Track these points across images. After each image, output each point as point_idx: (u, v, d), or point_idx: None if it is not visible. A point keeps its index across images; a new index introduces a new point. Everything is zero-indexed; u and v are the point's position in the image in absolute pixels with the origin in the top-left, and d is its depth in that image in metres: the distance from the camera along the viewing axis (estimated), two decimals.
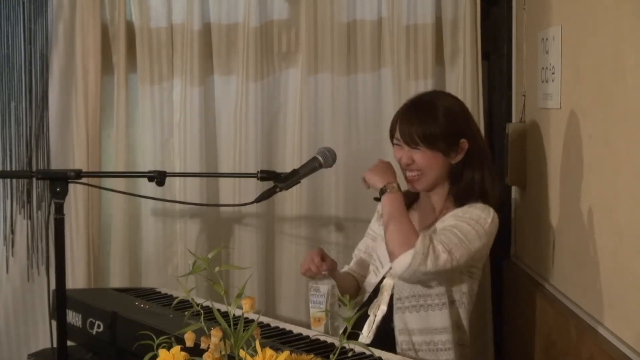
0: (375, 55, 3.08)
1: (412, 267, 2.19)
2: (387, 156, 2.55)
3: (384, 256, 2.39)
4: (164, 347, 1.54)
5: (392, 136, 2.42)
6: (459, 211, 2.32)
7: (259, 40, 3.05)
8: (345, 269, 2.61)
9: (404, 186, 2.42)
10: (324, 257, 2.39)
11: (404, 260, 2.19)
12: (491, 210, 2.32)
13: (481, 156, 2.38)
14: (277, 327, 2.25)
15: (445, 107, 2.37)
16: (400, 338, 2.32)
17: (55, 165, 3.01)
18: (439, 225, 2.33)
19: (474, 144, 2.37)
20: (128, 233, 3.08)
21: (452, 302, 2.33)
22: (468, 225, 2.27)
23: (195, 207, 3.05)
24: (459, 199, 2.36)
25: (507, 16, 3.10)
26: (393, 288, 2.35)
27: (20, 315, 3.07)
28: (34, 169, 2.99)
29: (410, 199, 2.48)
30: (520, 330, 2.86)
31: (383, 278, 2.41)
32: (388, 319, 2.35)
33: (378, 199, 2.36)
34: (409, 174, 2.37)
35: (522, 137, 2.91)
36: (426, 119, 2.34)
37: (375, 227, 2.57)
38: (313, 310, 2.34)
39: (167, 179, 2.32)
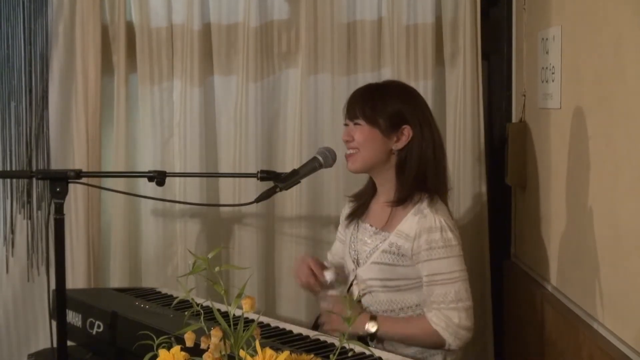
0: (375, 55, 3.08)
1: (456, 348, 2.27)
2: None
3: (348, 261, 2.45)
4: (164, 347, 1.53)
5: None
6: (423, 244, 2.26)
7: (259, 40, 3.05)
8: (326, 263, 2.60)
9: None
10: (322, 265, 2.40)
11: (451, 347, 2.26)
12: (437, 218, 2.27)
13: (427, 147, 2.34)
14: (277, 327, 2.25)
15: (394, 90, 2.40)
16: (372, 344, 2.31)
17: (55, 165, 3.01)
18: (393, 238, 2.31)
19: (419, 133, 2.34)
20: (128, 233, 3.08)
21: (421, 314, 2.33)
22: (449, 260, 2.27)
23: (195, 207, 3.05)
24: (401, 194, 2.33)
25: (507, 16, 3.10)
26: (359, 295, 2.38)
27: (20, 315, 3.07)
28: (34, 169, 2.99)
29: (369, 195, 2.48)
30: (520, 330, 2.86)
31: (351, 285, 2.43)
32: None
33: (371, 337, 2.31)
34: (347, 151, 2.38)
35: (522, 137, 2.91)
36: (370, 95, 2.37)
37: (342, 230, 2.57)
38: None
39: (167, 179, 2.32)
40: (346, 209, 2.56)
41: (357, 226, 2.46)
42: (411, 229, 2.29)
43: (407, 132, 2.33)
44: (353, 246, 2.44)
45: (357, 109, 2.35)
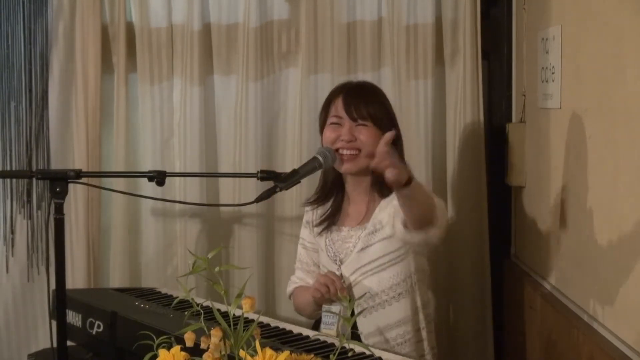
0: (375, 55, 3.08)
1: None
2: None
3: (329, 265, 2.43)
4: (164, 347, 1.54)
5: (325, 117, 2.42)
6: (395, 204, 2.27)
7: (259, 40, 3.05)
8: (299, 282, 2.58)
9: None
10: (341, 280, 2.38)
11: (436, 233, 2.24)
12: None
13: (401, 146, 2.42)
14: (277, 327, 2.25)
15: (379, 90, 2.46)
16: (370, 341, 2.33)
17: (55, 165, 3.01)
18: (372, 223, 2.35)
19: (398, 134, 2.38)
20: (128, 233, 3.08)
21: (405, 292, 2.36)
22: None
23: (195, 207, 3.05)
24: (384, 188, 2.34)
25: (507, 16, 3.10)
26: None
27: (20, 315, 3.07)
28: (34, 169, 2.99)
29: (336, 197, 2.48)
30: (520, 330, 2.86)
31: None
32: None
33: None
34: (346, 152, 2.35)
35: (522, 137, 2.91)
36: (372, 97, 2.39)
37: (310, 237, 2.56)
38: (325, 331, 2.36)
39: (167, 179, 2.32)
40: (310, 215, 2.56)
41: (330, 230, 2.47)
42: (388, 204, 2.34)
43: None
44: (331, 249, 2.45)
45: (363, 110, 2.34)
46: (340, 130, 2.36)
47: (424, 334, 2.39)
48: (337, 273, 2.41)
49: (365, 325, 2.36)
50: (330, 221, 2.48)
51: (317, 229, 2.51)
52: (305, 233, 2.59)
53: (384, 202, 2.38)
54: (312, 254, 2.57)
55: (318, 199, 2.53)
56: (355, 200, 2.45)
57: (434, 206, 2.23)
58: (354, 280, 2.38)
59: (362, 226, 2.40)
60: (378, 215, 2.37)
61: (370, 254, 2.37)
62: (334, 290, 2.33)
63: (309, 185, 3.00)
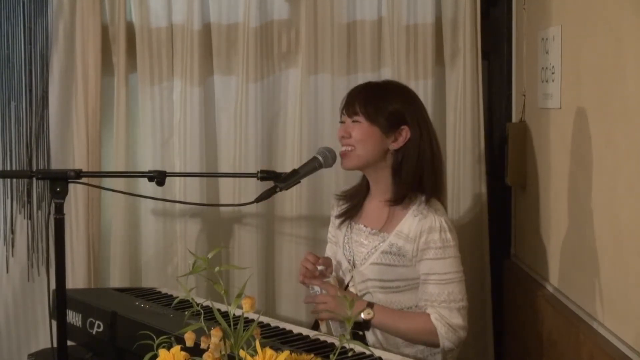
0: (375, 55, 3.08)
1: (451, 345, 2.27)
2: None
3: (343, 262, 2.42)
4: (164, 347, 1.54)
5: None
6: (422, 244, 2.27)
7: (259, 40, 3.05)
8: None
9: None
10: (317, 256, 2.40)
11: (445, 344, 2.26)
12: (437, 218, 2.28)
13: (425, 149, 2.32)
14: (277, 327, 2.25)
15: (394, 90, 2.39)
16: (367, 333, 2.33)
17: (55, 165, 3.01)
18: (393, 239, 2.30)
19: (417, 135, 2.32)
20: (128, 233, 3.08)
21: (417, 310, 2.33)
22: (445, 261, 2.27)
23: (195, 207, 3.05)
24: (398, 194, 2.32)
25: (507, 16, 3.10)
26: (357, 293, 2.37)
27: (20, 315, 3.07)
28: (34, 169, 2.99)
29: (362, 194, 2.46)
30: (520, 330, 2.86)
31: (347, 287, 2.42)
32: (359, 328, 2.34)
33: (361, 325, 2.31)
34: (342, 148, 2.36)
35: (522, 137, 2.91)
36: (371, 93, 2.36)
37: (332, 230, 2.55)
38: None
39: (167, 179, 2.32)
40: (335, 209, 2.54)
41: (350, 227, 2.44)
42: (411, 229, 2.29)
43: (405, 133, 2.32)
44: (347, 247, 2.42)
45: (357, 106, 2.32)
46: (342, 126, 2.38)
47: (438, 357, 2.35)
48: (350, 274, 2.39)
49: (370, 334, 2.34)
50: (349, 215, 2.45)
51: (337, 221, 2.49)
52: (330, 225, 2.58)
53: (410, 215, 2.31)
54: (333, 247, 2.55)
55: (347, 193, 2.51)
56: (375, 199, 2.41)
57: (429, 341, 2.27)
58: (364, 288, 2.36)
59: (381, 235, 2.35)
60: (402, 229, 2.31)
61: (382, 273, 2.32)
62: (311, 266, 2.35)
63: (309, 185, 3.01)
